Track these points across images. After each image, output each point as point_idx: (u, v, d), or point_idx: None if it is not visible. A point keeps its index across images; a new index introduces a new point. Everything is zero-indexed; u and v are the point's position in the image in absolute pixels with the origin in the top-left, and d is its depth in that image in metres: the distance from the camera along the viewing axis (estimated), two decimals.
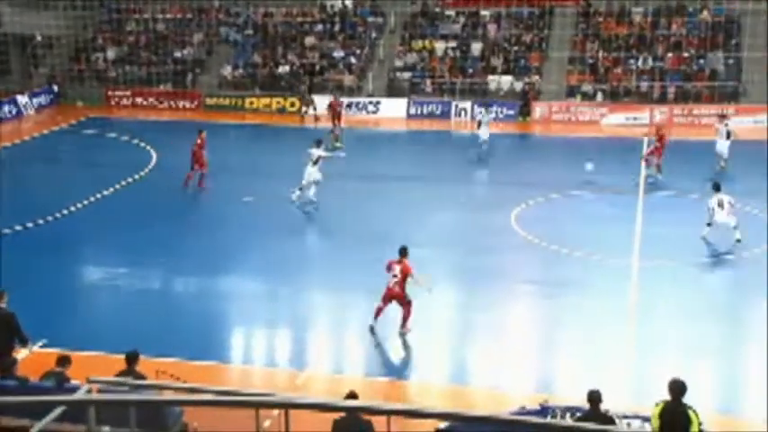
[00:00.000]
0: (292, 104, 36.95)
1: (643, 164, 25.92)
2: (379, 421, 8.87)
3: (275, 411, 7.49)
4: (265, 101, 37.31)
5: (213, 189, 24.80)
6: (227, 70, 38.89)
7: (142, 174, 26.46)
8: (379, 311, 15.62)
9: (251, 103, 37.43)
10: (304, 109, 35.26)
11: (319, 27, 39.69)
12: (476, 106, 33.31)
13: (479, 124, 29.55)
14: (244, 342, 16.08)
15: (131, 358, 10.89)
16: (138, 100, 38.19)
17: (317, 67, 38.24)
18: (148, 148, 29.79)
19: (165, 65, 39.21)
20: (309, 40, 39.25)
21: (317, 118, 34.49)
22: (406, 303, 15.56)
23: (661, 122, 29.86)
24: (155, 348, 13.65)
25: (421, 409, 10.26)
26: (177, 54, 39.73)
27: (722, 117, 27.82)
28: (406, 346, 15.63)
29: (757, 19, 34.59)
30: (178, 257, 19.33)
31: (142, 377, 10.59)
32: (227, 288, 17.98)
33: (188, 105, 37.79)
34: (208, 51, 40.23)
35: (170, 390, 8.98)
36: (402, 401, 13.26)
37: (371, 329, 15.59)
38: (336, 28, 39.53)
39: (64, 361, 10.75)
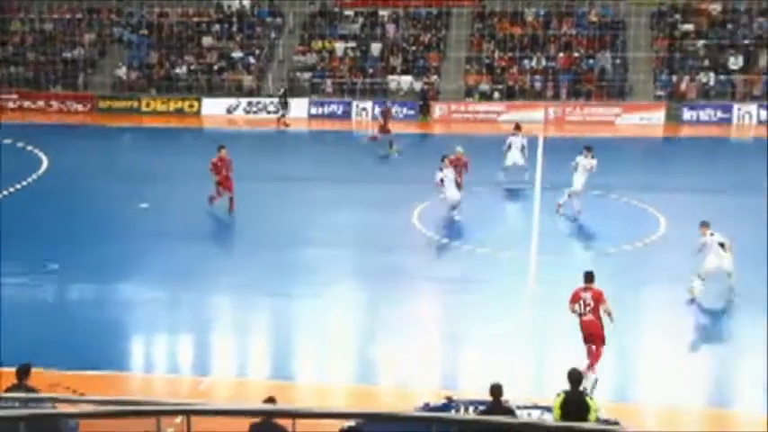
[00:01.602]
0: (191, 106, 36.27)
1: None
2: (288, 424, 8.81)
3: (178, 419, 7.33)
4: (162, 103, 36.49)
5: (109, 195, 24.08)
6: (121, 71, 37.84)
7: (31, 179, 25.43)
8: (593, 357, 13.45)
9: (147, 104, 36.54)
10: (281, 112, 34.43)
11: (217, 27, 39.10)
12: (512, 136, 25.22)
13: (509, 147, 24.92)
14: (144, 350, 15.68)
15: (22, 372, 10.45)
16: (27, 103, 36.69)
17: (215, 68, 37.67)
18: (38, 152, 28.67)
19: (54, 66, 37.82)
20: (207, 41, 38.62)
21: (286, 123, 33.99)
22: (604, 340, 13.52)
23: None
24: (50, 360, 13.15)
25: (326, 409, 10.29)
26: (67, 54, 38.37)
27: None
28: (310, 347, 15.58)
29: (640, 20, 36.12)
30: (72, 265, 18.68)
31: (34, 391, 10.18)
32: (126, 296, 17.49)
33: (80, 108, 36.58)
34: (100, 52, 39.04)
35: (64, 402, 8.68)
36: (307, 403, 13.22)
37: (595, 382, 13.32)
38: (234, 28, 39.04)
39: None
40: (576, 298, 13.61)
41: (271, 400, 9.82)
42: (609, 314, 13.52)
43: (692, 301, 16.43)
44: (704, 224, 16.67)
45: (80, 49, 38.73)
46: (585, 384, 12.78)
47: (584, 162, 21.47)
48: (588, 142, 31.85)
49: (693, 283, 16.45)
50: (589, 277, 13.72)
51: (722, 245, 16.38)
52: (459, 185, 21.72)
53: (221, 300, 17.65)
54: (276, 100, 34.98)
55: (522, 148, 24.68)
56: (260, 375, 14.62)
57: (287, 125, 33.96)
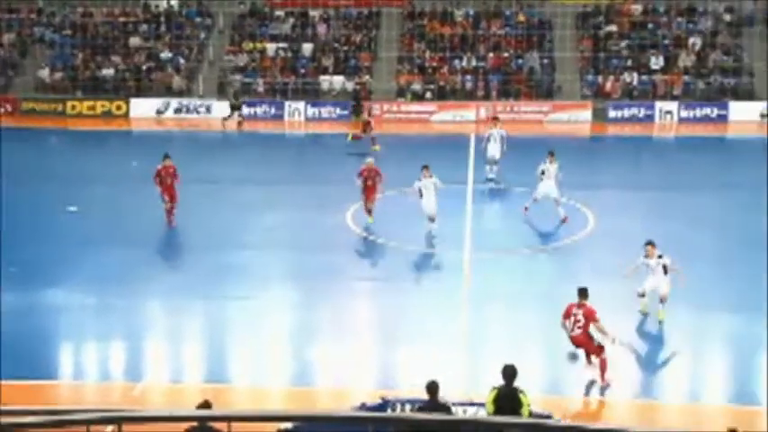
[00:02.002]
0: (118, 108, 35.54)
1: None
2: (224, 428, 8.73)
3: (109, 428, 7.21)
4: (89, 105, 35.65)
5: (35, 199, 23.42)
6: (44, 72, 36.83)
7: None
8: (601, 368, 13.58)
9: (73, 107, 35.65)
10: (229, 113, 33.71)
11: (144, 27, 38.39)
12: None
13: (488, 139, 24.95)
14: (73, 357, 15.33)
15: None
16: None
17: (144, 68, 36.97)
18: None
19: None
20: (134, 41, 37.89)
21: (240, 123, 33.47)
22: (597, 350, 13.54)
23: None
24: None
25: (263, 412, 10.23)
26: None
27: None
28: (245, 350, 15.46)
29: (566, 21, 36.89)
30: None
31: None
32: (54, 301, 17.05)
33: (2, 110, 35.44)
34: (21, 53, 37.92)
35: None
36: (243, 406, 13.12)
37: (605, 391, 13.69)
38: (162, 28, 38.39)
39: None
40: (567, 314, 13.59)
41: (206, 404, 9.71)
42: (602, 332, 13.59)
43: (646, 315, 15.99)
44: (651, 244, 15.85)
45: None
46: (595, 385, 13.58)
47: (550, 168, 21.44)
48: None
49: (640, 302, 16.02)
50: (583, 294, 13.68)
51: (665, 268, 15.62)
52: (370, 199, 20.86)
53: (153, 304, 17.38)
54: (228, 102, 34.27)
55: (502, 140, 25.08)
56: (195, 379, 14.45)
57: (241, 125, 33.56)
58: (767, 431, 11.95)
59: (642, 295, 15.89)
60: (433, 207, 20.08)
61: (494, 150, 24.98)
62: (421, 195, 20.09)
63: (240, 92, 35.10)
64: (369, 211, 21.12)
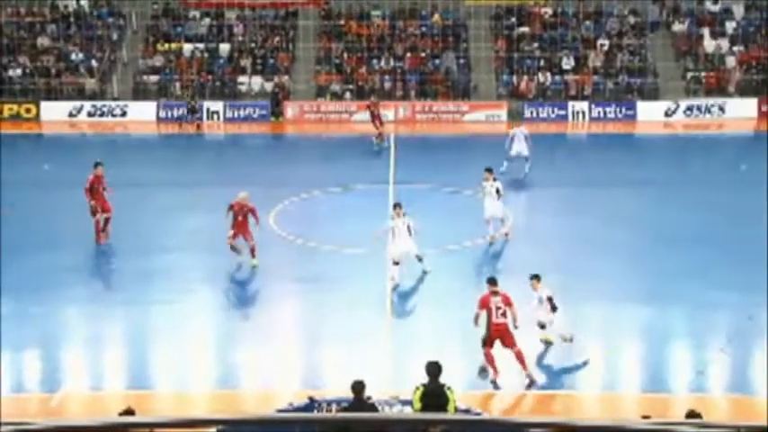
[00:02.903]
0: (28, 110, 34.39)
1: None
2: None
3: None
4: None
5: None
6: None
7: None
8: (493, 360, 13.57)
9: None
10: (186, 116, 32.91)
11: (53, 27, 37.24)
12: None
13: (512, 139, 25.90)
14: None
15: None
16: None
17: (53, 71, 35.87)
18: None
19: None
20: (43, 42, 36.73)
21: (198, 125, 32.72)
22: (513, 341, 13.52)
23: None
24: None
25: (188, 417, 10.12)
26: None
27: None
28: (167, 356, 15.23)
29: (480, 22, 37.53)
30: None
31: None
32: None
33: None
34: None
35: None
36: (168, 411, 12.94)
37: (494, 384, 13.70)
38: (72, 29, 37.32)
39: None
40: (485, 303, 13.53)
41: (128, 411, 9.56)
42: (515, 318, 13.69)
43: (570, 340, 14.94)
44: (536, 278, 14.91)
45: None
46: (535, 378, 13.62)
47: (489, 186, 20.02)
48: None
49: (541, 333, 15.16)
50: (494, 282, 13.80)
51: (550, 299, 14.75)
52: (245, 234, 18.45)
53: (71, 311, 16.95)
54: (185, 104, 33.58)
55: (526, 139, 25.52)
56: (116, 387, 14.16)
57: (200, 126, 33.03)
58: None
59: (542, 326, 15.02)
60: (399, 251, 17.67)
61: (519, 148, 25.61)
62: (393, 236, 17.72)
63: (197, 93, 34.27)
64: (234, 248, 18.46)
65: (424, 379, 10.36)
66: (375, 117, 30.44)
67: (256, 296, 17.64)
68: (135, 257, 18.90)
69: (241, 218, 18.36)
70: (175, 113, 34.69)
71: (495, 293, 13.68)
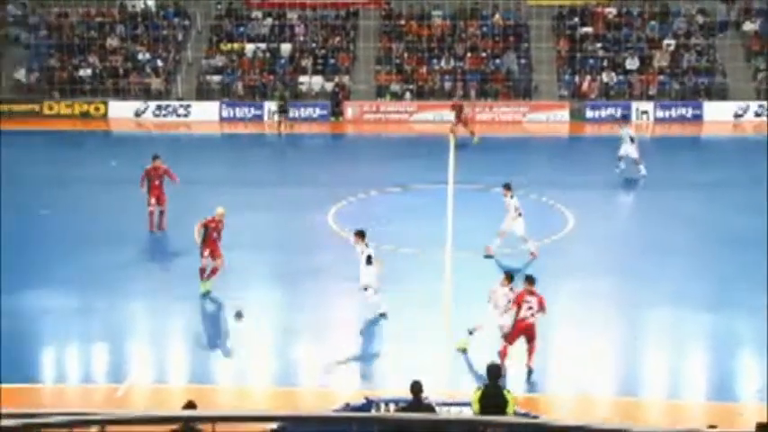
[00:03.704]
0: (96, 109, 35.30)
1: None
2: (208, 429, 8.73)
3: (93, 429, 7.19)
4: (66, 106, 35.36)
5: (10, 201, 23.22)
6: (20, 74, 36.50)
7: None
8: (505, 357, 13.80)
9: (50, 108, 35.35)
10: (283, 116, 33.03)
11: (121, 28, 38.14)
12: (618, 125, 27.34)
13: (621, 139, 25.69)
14: (55, 360, 15.24)
15: None
16: None
17: (121, 71, 36.73)
18: None
19: None
20: (111, 42, 37.64)
21: (282, 125, 32.87)
22: (534, 339, 13.98)
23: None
24: None
25: (248, 412, 10.24)
26: None
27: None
28: (228, 351, 15.46)
29: (542, 23, 37.14)
30: None
31: None
32: (30, 305, 16.91)
33: None
34: None
35: None
36: (228, 406, 13.13)
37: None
38: (140, 30, 38.17)
39: None
40: (519, 301, 13.76)
41: (191, 404, 9.72)
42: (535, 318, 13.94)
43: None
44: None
45: None
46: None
47: (509, 202, 19.12)
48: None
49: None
50: (532, 281, 13.94)
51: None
52: (216, 254, 17.18)
53: (135, 305, 17.31)
54: (275, 104, 33.62)
55: (632, 140, 25.37)
56: (179, 380, 14.42)
57: (291, 127, 33.11)
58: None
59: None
60: (371, 278, 16.19)
61: (626, 149, 25.43)
62: (369, 261, 16.21)
63: (288, 93, 34.28)
64: (203, 271, 17.18)
65: (485, 381, 10.29)
66: (460, 118, 30.49)
67: (315, 295, 17.75)
68: (191, 255, 19.18)
69: (216, 234, 17.21)
70: (238, 114, 35.17)
71: (531, 293, 13.83)
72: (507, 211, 19.14)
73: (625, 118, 28.84)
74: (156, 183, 20.57)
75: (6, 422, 7.58)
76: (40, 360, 15.10)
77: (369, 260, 16.12)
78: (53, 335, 15.96)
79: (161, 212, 20.80)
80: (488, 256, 19.16)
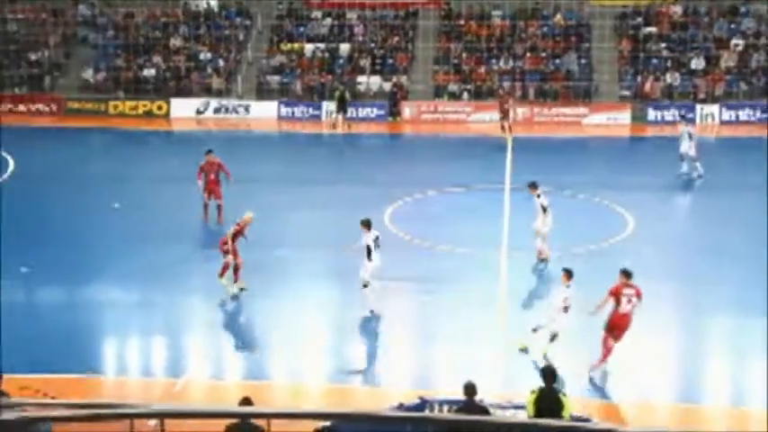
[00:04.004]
0: (159, 108, 36.01)
1: None
2: (263, 425, 8.82)
3: (152, 422, 7.32)
4: (131, 105, 36.17)
5: (77, 196, 23.86)
6: (88, 73, 37.45)
7: None
8: (611, 350, 13.81)
9: (115, 107, 36.18)
10: (339, 115, 33.37)
11: (184, 28, 38.85)
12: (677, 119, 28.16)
13: (682, 137, 25.53)
14: (116, 353, 15.60)
15: None
16: None
17: (183, 70, 37.40)
18: (4, 154, 28.27)
19: (18, 68, 37.31)
20: (175, 43, 38.36)
21: (340, 123, 33.21)
22: (621, 337, 13.86)
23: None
24: (21, 365, 13.02)
25: (302, 410, 10.32)
26: (32, 56, 37.88)
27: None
28: (282, 348, 15.59)
29: (604, 22, 36.56)
30: (43, 268, 18.49)
31: (4, 395, 10.09)
32: (97, 298, 17.38)
33: (47, 110, 36.12)
34: (66, 54, 38.60)
35: (35, 406, 8.59)
36: (284, 404, 13.24)
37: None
38: (202, 30, 38.81)
39: None
40: (617, 292, 13.71)
41: (246, 400, 9.84)
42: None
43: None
44: (569, 271, 14.58)
45: (45, 50, 38.28)
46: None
47: (536, 201, 18.96)
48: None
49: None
50: (628, 274, 13.91)
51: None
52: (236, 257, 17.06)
53: (194, 301, 17.59)
54: (333, 103, 33.85)
55: (690, 137, 25.37)
56: (235, 376, 14.61)
57: (349, 126, 33.29)
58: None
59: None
60: (375, 265, 16.49)
61: (685, 148, 25.33)
62: (369, 254, 16.41)
63: (348, 93, 34.32)
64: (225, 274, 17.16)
65: (540, 383, 10.17)
66: (504, 111, 30.73)
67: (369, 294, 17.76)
68: (253, 251, 19.39)
69: (240, 237, 17.22)
70: (296, 113, 35.47)
71: (628, 285, 13.73)
72: (535, 210, 18.98)
73: (684, 117, 28.20)
74: (212, 177, 21.16)
75: (66, 412, 7.78)
76: (101, 352, 15.45)
77: (369, 255, 16.12)
78: (115, 328, 16.32)
79: (218, 206, 21.26)
80: (542, 260, 18.88)
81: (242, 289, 17.19)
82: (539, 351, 14.44)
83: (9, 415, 8.19)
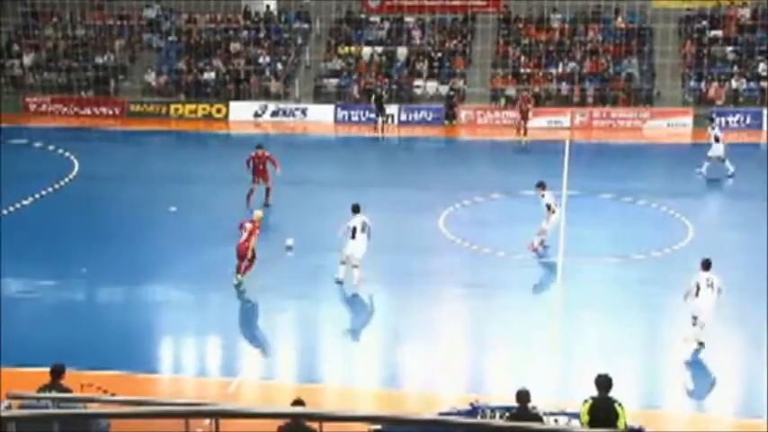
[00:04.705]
0: (218, 111, 36.57)
1: None
2: (315, 427, 8.88)
3: (207, 420, 7.44)
4: (191, 108, 36.82)
5: (139, 198, 24.37)
6: (151, 77, 38.25)
7: (63, 183, 25.80)
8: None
9: (176, 110, 36.87)
10: (381, 118, 33.54)
11: (244, 33, 39.40)
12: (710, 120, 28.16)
13: (716, 139, 26.02)
14: (172, 352, 15.88)
15: (56, 372, 10.67)
16: (59, 107, 37.17)
17: (242, 74, 37.93)
18: (70, 156, 29.06)
19: (85, 71, 38.33)
20: (235, 46, 38.93)
21: (382, 127, 33.43)
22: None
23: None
24: (83, 362, 13.35)
25: (353, 413, 10.34)
26: (98, 60, 38.89)
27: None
28: (337, 351, 15.67)
29: (668, 26, 35.86)
30: (102, 268, 18.92)
31: (67, 390, 10.36)
32: (154, 298, 17.72)
33: (111, 112, 37.02)
34: (131, 58, 39.50)
35: (95, 402, 8.81)
36: (334, 406, 13.30)
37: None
38: (261, 34, 39.31)
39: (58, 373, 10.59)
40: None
41: (299, 402, 9.91)
42: None
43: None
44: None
45: (110, 54, 39.25)
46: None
47: (542, 201, 19.38)
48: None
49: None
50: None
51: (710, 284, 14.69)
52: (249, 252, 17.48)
53: (248, 303, 17.80)
54: (374, 107, 34.01)
55: (717, 140, 25.69)
56: (287, 378, 14.73)
57: (387, 129, 33.44)
58: None
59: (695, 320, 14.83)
60: (360, 251, 17.55)
61: (715, 150, 25.65)
62: (353, 236, 17.49)
63: (385, 93, 34.66)
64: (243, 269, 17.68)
65: (593, 392, 10.01)
66: (523, 111, 30.98)
67: (424, 297, 17.76)
68: (309, 254, 19.56)
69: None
70: (353, 116, 35.64)
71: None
72: (549, 211, 19.30)
73: (713, 120, 28.04)
74: (261, 167, 22.85)
75: (124, 409, 7.95)
76: (156, 351, 15.73)
77: (353, 235, 17.53)
78: (172, 328, 16.61)
79: (267, 189, 22.92)
80: (536, 251, 19.33)
81: (240, 283, 17.54)
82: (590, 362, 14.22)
83: (72, 409, 8.43)
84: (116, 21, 40.14)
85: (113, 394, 10.22)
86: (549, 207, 19.21)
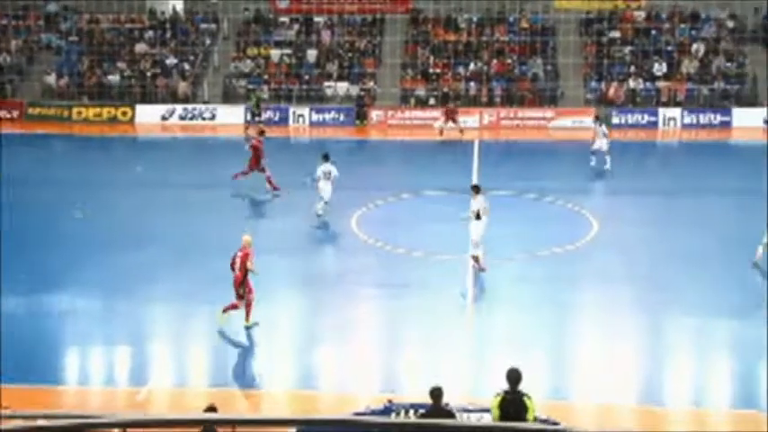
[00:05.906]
0: (124, 114, 35.66)
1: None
2: None
3: (114, 431, 7.24)
4: (95, 111, 35.77)
5: (41, 203, 23.51)
6: (50, 78, 36.98)
7: None
8: None
9: (79, 113, 35.76)
10: (255, 119, 33.21)
11: (150, 33, 38.53)
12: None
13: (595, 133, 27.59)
14: (78, 362, 15.38)
15: None
16: None
17: (149, 75, 37.08)
18: None
19: None
20: (140, 47, 38.03)
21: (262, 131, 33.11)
22: None
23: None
24: None
25: (268, 416, 10.27)
26: None
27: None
28: (249, 355, 15.50)
29: (569, 27, 36.92)
30: (2, 277, 18.16)
31: None
32: (57, 307, 17.12)
33: (8, 115, 35.60)
34: (28, 59, 38.09)
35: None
36: (249, 410, 13.16)
37: None
38: (168, 35, 38.52)
39: None
40: None
41: (212, 408, 9.77)
42: None
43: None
44: None
45: (6, 55, 37.74)
46: None
47: (472, 204, 18.55)
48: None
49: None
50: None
51: None
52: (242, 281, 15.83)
53: (157, 309, 17.42)
54: (250, 107, 33.78)
55: (605, 135, 26.91)
56: (199, 384, 14.49)
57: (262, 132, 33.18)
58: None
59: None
60: (328, 193, 21.66)
61: (598, 145, 26.99)
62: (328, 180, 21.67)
63: (263, 96, 34.61)
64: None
65: (504, 386, 10.21)
66: (451, 119, 32.08)
67: (337, 299, 17.77)
68: (218, 258, 19.26)
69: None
70: (262, 117, 35.28)
71: None
72: (483, 216, 18.38)
73: (599, 118, 29.88)
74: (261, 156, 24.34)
75: (25, 423, 7.65)
76: (62, 362, 15.23)
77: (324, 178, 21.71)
78: (77, 337, 16.10)
79: (267, 179, 24.20)
80: (482, 270, 18.53)
81: (255, 323, 16.01)
82: (500, 355, 14.51)
83: None
84: (10, 21, 38.58)
85: (7, 408, 9.84)
86: (477, 214, 18.12)
